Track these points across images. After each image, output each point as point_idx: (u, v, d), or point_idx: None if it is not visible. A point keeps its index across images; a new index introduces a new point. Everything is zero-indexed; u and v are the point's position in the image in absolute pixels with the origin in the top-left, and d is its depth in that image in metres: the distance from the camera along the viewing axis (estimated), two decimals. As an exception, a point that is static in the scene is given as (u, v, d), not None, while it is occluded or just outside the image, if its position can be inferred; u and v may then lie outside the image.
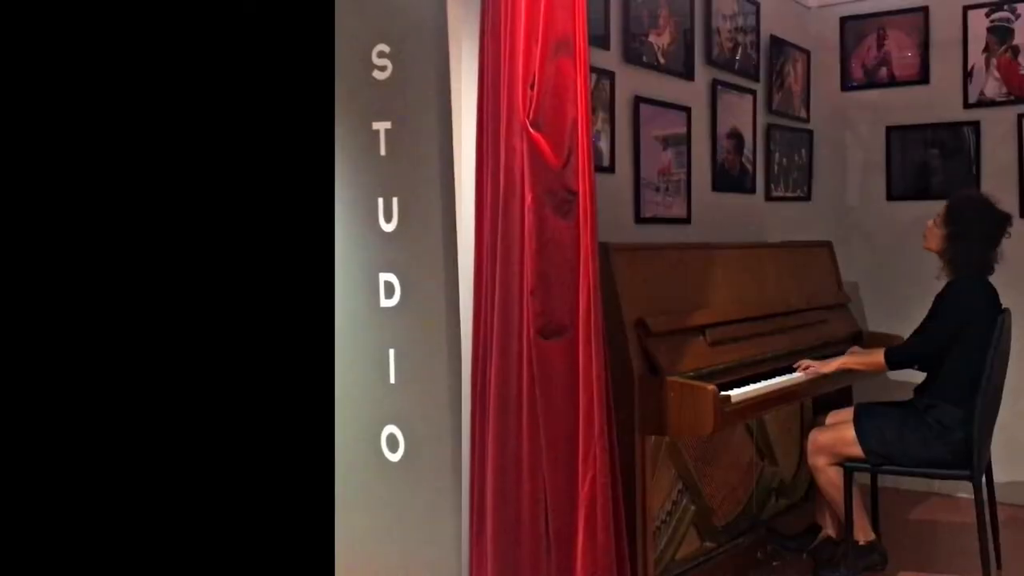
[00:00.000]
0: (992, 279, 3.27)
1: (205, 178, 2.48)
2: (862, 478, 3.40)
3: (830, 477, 3.26)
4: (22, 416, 1.95)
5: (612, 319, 2.76)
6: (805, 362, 3.33)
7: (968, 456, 3.11)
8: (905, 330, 3.34)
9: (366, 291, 2.84)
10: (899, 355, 3.27)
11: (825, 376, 3.33)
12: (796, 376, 3.24)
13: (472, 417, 2.65)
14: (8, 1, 1.76)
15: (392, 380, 2.82)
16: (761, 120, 4.37)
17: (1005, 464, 4.04)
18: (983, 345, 3.12)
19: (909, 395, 3.36)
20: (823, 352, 3.58)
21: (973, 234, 3.21)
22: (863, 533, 3.31)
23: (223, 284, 2.58)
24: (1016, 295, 3.75)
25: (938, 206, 4.42)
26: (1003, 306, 3.25)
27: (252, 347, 2.49)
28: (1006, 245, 3.28)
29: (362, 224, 2.84)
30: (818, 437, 3.31)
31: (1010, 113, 4.27)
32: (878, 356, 3.27)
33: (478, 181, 2.63)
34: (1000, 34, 4.30)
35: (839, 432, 3.26)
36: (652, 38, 3.63)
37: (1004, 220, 3.25)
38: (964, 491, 3.36)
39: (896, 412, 3.27)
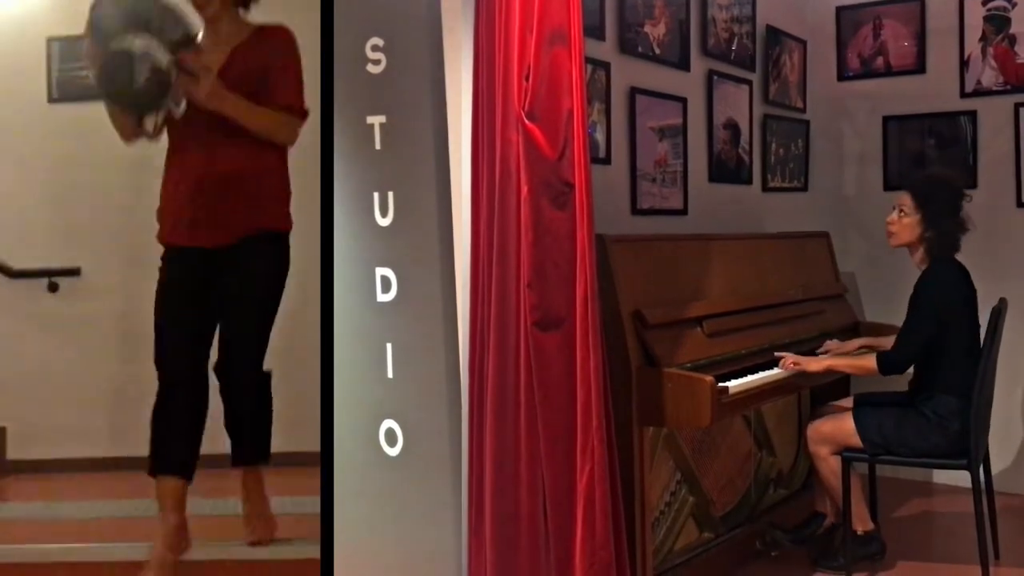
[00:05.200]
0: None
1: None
2: (860, 467, 3.41)
3: (831, 466, 3.26)
4: None
5: (609, 311, 2.76)
6: (788, 357, 3.18)
7: (966, 446, 3.11)
8: (901, 320, 3.33)
9: (363, 286, 2.84)
10: (893, 360, 3.18)
11: (808, 374, 3.21)
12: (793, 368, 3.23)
13: (470, 410, 2.65)
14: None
15: (390, 375, 2.82)
16: (757, 110, 4.36)
17: (1002, 453, 4.05)
18: (972, 330, 3.12)
19: (906, 387, 3.36)
20: (820, 344, 3.58)
21: (946, 212, 3.18)
22: (862, 523, 3.32)
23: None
24: (1012, 285, 3.75)
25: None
26: (986, 289, 3.23)
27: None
28: (1003, 237, 3.28)
29: (358, 219, 2.83)
30: (818, 427, 3.32)
31: (1007, 102, 4.26)
32: (870, 362, 3.18)
33: (474, 174, 2.63)
34: (996, 23, 4.29)
35: (839, 422, 3.26)
36: (647, 28, 3.62)
37: (963, 191, 3.24)
38: (962, 481, 3.36)
39: (894, 403, 3.27)
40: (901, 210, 3.26)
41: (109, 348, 3.97)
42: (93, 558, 2.65)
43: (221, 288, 2.85)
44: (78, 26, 2.75)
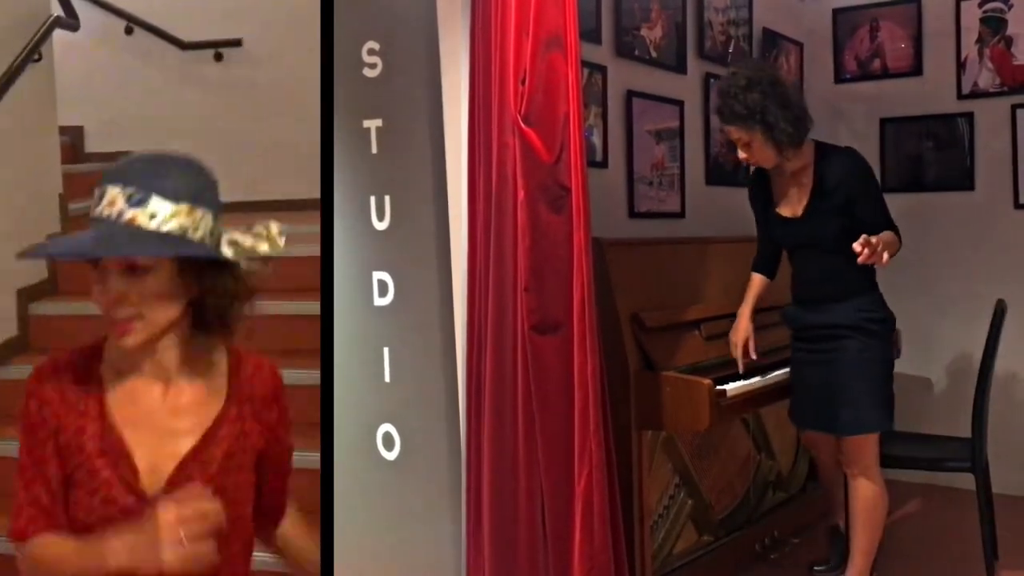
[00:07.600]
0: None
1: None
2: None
3: (877, 490, 3.00)
4: None
5: (607, 314, 2.76)
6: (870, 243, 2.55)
7: (889, 325, 2.96)
8: (902, 321, 3.31)
9: (360, 290, 2.84)
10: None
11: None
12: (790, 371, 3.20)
13: (468, 414, 2.65)
14: None
15: (387, 379, 2.82)
16: (755, 113, 4.36)
17: (1002, 455, 4.04)
18: None
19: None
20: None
21: (775, 102, 2.75)
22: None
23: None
24: (1011, 286, 3.75)
25: (933, 198, 4.43)
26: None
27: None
28: (1000, 238, 3.25)
29: (355, 223, 2.83)
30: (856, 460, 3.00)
31: (1004, 104, 4.27)
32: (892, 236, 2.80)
33: (470, 178, 2.63)
34: (993, 24, 4.29)
35: (857, 447, 2.99)
36: (644, 32, 3.62)
37: (771, 71, 2.92)
38: (962, 483, 3.35)
39: (824, 354, 2.96)
40: (742, 143, 2.84)
41: (265, 108, 4.71)
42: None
43: None
44: None
